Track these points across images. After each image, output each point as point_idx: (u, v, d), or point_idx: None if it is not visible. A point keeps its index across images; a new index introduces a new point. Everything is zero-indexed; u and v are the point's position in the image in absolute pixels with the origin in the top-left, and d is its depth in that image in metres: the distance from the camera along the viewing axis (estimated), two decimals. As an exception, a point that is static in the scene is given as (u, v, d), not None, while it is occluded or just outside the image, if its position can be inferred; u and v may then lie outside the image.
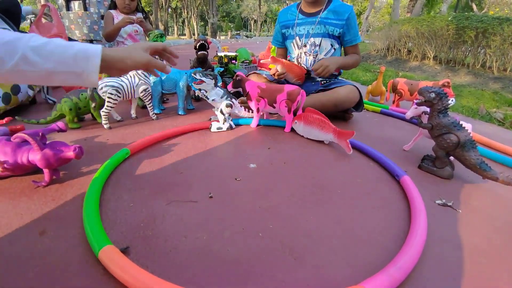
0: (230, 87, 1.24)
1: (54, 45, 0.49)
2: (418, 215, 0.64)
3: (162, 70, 0.64)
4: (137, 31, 2.25)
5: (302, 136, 1.19)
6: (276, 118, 1.39)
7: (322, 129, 1.12)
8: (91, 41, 3.14)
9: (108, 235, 0.55)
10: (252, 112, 1.31)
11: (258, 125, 1.28)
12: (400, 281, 0.48)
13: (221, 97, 1.19)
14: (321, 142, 1.13)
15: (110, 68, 0.56)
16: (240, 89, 1.26)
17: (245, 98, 1.26)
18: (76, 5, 3.04)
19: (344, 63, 1.43)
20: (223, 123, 1.21)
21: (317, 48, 1.45)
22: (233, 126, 1.25)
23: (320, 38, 1.43)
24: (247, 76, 1.60)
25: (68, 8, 3.06)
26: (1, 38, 0.45)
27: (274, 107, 1.23)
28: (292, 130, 1.24)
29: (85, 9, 3.01)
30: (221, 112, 1.20)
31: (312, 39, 1.45)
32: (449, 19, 3.91)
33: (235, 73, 1.77)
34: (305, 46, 1.47)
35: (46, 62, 0.48)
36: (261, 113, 1.29)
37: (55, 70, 0.49)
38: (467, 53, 4.00)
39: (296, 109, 1.22)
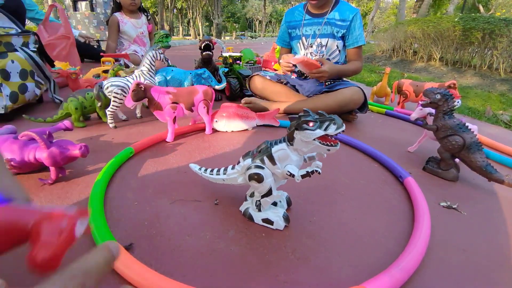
0: (129, 102, 0.98)
1: None
2: (421, 217, 0.63)
3: None
4: (142, 33, 2.26)
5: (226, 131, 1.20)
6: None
7: (247, 118, 1.21)
8: (97, 41, 3.17)
9: (113, 233, 0.55)
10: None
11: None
12: (402, 282, 0.48)
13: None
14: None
15: None
16: (145, 101, 1.01)
17: (151, 107, 1.02)
18: (83, 6, 3.08)
19: (343, 71, 1.43)
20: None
21: (324, 48, 1.45)
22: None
23: (327, 39, 1.43)
24: (251, 78, 1.60)
25: (75, 8, 3.11)
26: None
27: (192, 111, 1.09)
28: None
29: (92, 9, 3.05)
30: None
31: (318, 40, 1.45)
32: (456, 20, 3.88)
33: (240, 73, 1.78)
34: (311, 46, 1.47)
35: None
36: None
37: None
38: (473, 55, 3.96)
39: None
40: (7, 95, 1.17)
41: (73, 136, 1.04)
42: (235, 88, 1.72)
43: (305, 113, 0.51)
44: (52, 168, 0.73)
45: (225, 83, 1.61)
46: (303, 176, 0.54)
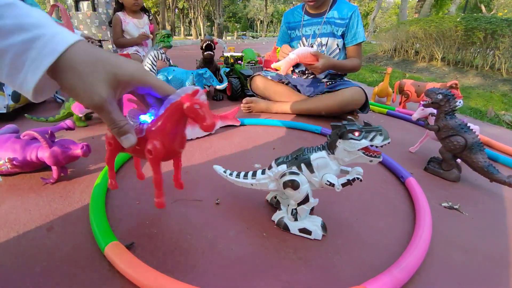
0: (79, 108, 1.01)
1: (18, 9, 0.31)
2: (422, 217, 0.63)
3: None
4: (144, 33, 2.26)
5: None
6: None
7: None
8: (99, 41, 3.18)
9: (114, 232, 0.55)
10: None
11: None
12: (403, 282, 0.48)
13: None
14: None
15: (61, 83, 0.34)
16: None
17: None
18: (85, 6, 3.09)
19: (339, 66, 1.38)
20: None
21: (324, 47, 1.45)
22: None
23: (327, 38, 1.44)
24: (252, 78, 1.60)
25: (77, 8, 3.12)
26: None
27: None
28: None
29: (94, 9, 3.06)
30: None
31: (319, 39, 1.45)
32: (458, 20, 3.87)
33: (241, 73, 1.79)
34: (311, 46, 1.47)
35: None
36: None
37: None
38: (475, 55, 3.95)
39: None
40: (9, 95, 1.17)
41: (74, 136, 1.05)
42: (236, 88, 1.72)
43: (349, 122, 0.49)
44: (54, 168, 0.73)
45: (227, 83, 1.61)
46: (343, 185, 0.51)
